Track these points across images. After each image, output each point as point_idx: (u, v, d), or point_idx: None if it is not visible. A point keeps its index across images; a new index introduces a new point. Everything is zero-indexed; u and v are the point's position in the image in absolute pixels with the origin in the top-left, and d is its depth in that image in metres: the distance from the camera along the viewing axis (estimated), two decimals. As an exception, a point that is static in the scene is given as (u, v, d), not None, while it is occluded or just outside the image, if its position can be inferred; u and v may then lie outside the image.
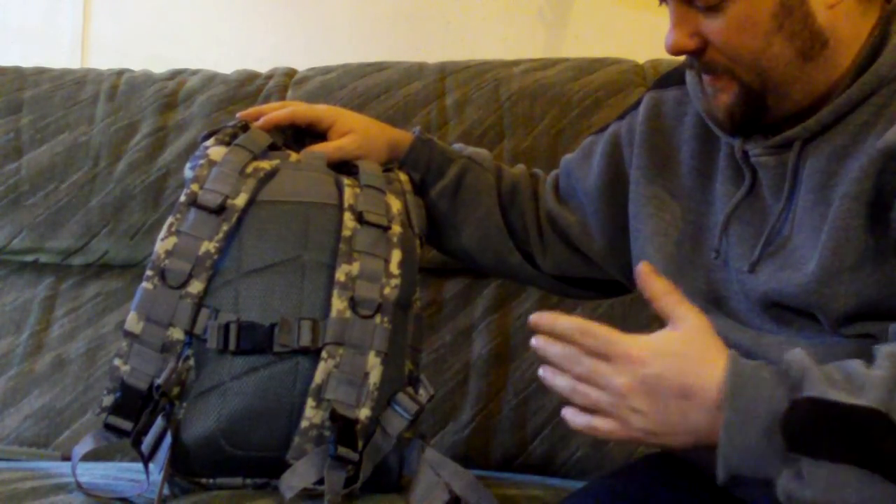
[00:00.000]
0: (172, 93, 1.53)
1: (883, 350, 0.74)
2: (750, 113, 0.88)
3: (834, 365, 0.74)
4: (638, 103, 1.07)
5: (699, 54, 0.87)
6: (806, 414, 0.70)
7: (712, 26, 0.85)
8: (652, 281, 0.79)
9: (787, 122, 0.88)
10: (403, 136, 1.17)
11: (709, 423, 0.73)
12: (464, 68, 1.53)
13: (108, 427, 0.94)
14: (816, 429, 0.70)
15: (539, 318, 0.79)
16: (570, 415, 0.77)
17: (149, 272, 0.97)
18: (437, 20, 1.98)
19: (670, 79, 1.05)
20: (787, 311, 0.87)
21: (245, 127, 1.09)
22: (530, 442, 1.36)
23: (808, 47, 0.85)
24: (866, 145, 0.83)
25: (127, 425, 0.94)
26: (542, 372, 0.79)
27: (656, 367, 0.74)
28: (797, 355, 0.74)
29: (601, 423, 0.76)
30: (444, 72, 1.52)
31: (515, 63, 1.54)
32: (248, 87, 1.53)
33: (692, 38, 0.86)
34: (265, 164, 1.03)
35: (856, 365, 0.73)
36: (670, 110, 1.03)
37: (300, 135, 1.15)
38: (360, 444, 0.94)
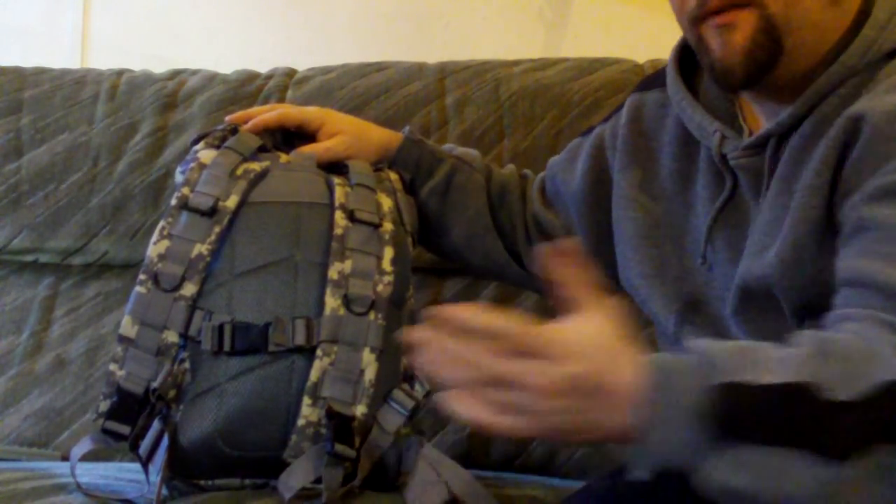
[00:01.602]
0: (172, 93, 1.53)
1: (804, 332, 0.72)
2: (767, 53, 0.84)
3: (745, 345, 0.72)
4: (621, 106, 1.07)
5: None
6: (730, 402, 0.67)
7: None
8: (564, 264, 0.72)
9: (789, 88, 0.87)
10: (393, 137, 1.17)
11: (624, 420, 0.69)
12: (464, 68, 1.53)
13: (106, 432, 0.94)
14: (741, 414, 0.67)
15: (441, 311, 0.70)
16: (470, 410, 0.69)
17: (142, 276, 0.97)
18: (437, 20, 1.98)
19: (652, 81, 1.04)
20: (758, 315, 0.87)
21: (234, 130, 1.09)
22: (530, 442, 1.35)
23: None
24: (826, 136, 0.82)
25: (124, 429, 0.94)
26: (428, 366, 0.70)
27: (576, 366, 0.69)
28: (701, 343, 0.71)
29: (515, 422, 0.69)
30: (444, 72, 1.52)
31: (515, 63, 1.54)
32: (248, 87, 1.53)
33: None
34: (255, 166, 1.04)
35: (768, 346, 0.71)
36: (651, 112, 1.02)
37: (289, 137, 1.15)
38: (358, 441, 0.94)
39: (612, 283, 1.09)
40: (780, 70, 0.85)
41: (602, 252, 1.08)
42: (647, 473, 0.71)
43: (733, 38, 0.84)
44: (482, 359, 0.68)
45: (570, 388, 0.69)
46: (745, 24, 0.83)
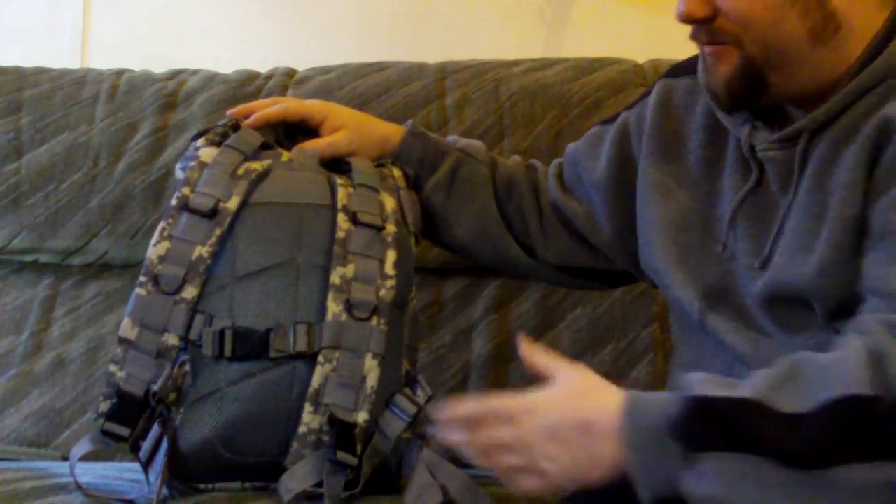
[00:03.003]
0: (172, 93, 1.53)
1: (785, 356, 0.75)
2: (748, 88, 0.87)
3: (723, 379, 0.76)
4: (649, 92, 1.07)
5: (708, 23, 0.87)
6: (694, 413, 0.71)
7: None
8: (529, 351, 0.84)
9: (795, 104, 0.88)
10: (396, 131, 1.16)
11: (614, 450, 0.74)
12: (464, 68, 1.53)
13: (106, 433, 0.94)
14: (704, 424, 0.71)
15: (439, 412, 0.81)
16: (505, 480, 0.80)
17: (142, 278, 0.96)
18: (437, 20, 1.98)
19: (682, 68, 1.04)
20: (787, 307, 0.87)
21: (236, 126, 1.08)
22: (530, 442, 1.35)
23: (820, 28, 0.84)
24: (861, 134, 0.83)
25: (124, 431, 0.94)
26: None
27: (552, 412, 0.77)
28: (690, 377, 0.76)
29: (526, 481, 0.78)
30: (444, 72, 1.52)
31: (515, 63, 1.54)
32: (248, 87, 1.53)
33: (704, 5, 0.86)
34: (257, 165, 1.02)
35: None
36: (681, 98, 1.02)
37: (292, 131, 1.14)
38: (359, 447, 0.94)
39: (633, 269, 1.09)
40: (770, 98, 0.88)
41: (625, 239, 1.07)
42: (648, 501, 0.74)
43: (718, 68, 0.88)
44: (484, 437, 0.79)
45: (551, 432, 0.76)
46: (729, 57, 0.87)
